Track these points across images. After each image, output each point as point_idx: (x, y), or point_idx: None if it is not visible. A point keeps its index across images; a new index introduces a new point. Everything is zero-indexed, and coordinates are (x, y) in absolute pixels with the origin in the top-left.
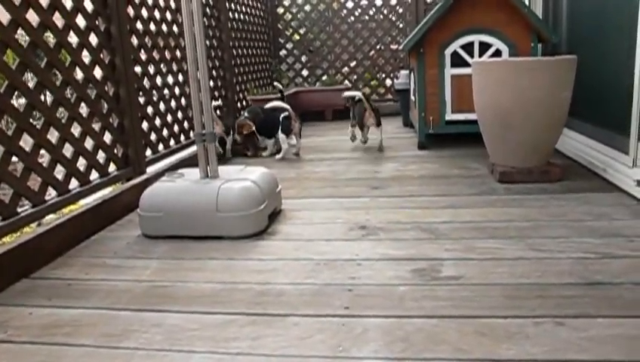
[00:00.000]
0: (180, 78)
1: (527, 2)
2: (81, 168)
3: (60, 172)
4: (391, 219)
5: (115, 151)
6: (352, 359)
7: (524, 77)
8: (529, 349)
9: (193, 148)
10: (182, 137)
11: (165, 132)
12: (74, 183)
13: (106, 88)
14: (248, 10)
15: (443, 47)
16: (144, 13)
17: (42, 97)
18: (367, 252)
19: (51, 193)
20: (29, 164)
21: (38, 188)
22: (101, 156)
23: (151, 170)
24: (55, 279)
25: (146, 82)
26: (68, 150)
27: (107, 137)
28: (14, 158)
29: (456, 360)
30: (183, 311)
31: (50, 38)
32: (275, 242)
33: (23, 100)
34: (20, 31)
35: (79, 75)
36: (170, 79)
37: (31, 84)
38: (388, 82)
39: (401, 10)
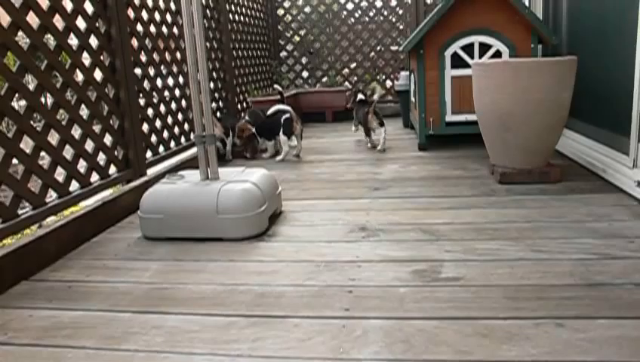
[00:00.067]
0: (181, 79)
1: (527, 3)
2: (82, 170)
3: (60, 174)
4: (391, 221)
5: (116, 153)
6: (353, 361)
7: (524, 78)
8: (529, 350)
9: (193, 150)
10: (182, 139)
11: (165, 134)
12: (74, 185)
13: (107, 90)
14: (248, 11)
15: (443, 49)
16: (144, 15)
17: (43, 99)
18: (368, 253)
19: (52, 195)
20: (30, 166)
21: (39, 190)
22: (101, 158)
23: (151, 171)
24: (55, 281)
25: (146, 84)
26: (68, 152)
27: (107, 139)
28: (15, 160)
29: (457, 361)
30: (183, 313)
31: (50, 40)
32: (276, 244)
33: (23, 102)
34: (20, 33)
35: (79, 77)
36: (170, 81)
37: (31, 87)
38: (388, 83)
39: (401, 12)
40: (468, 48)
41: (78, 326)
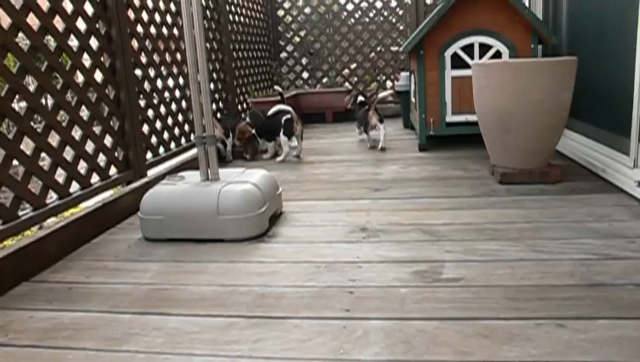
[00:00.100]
0: (181, 80)
1: (527, 3)
2: (82, 171)
3: (60, 175)
4: (392, 221)
5: (116, 154)
6: (353, 361)
7: (524, 78)
8: (530, 351)
9: (194, 151)
10: (182, 140)
11: (166, 135)
12: (75, 186)
13: (107, 91)
14: (248, 12)
15: (443, 49)
16: (144, 16)
17: (43, 101)
18: (368, 254)
19: (52, 196)
20: (30, 168)
21: (39, 191)
22: (102, 159)
23: (152, 172)
24: (56, 282)
25: (146, 85)
26: (69, 153)
27: (108, 140)
28: (15, 162)
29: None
30: (183, 314)
31: (50, 41)
32: (276, 245)
33: (23, 104)
34: (20, 34)
35: (80, 78)
36: (170, 82)
37: (32, 88)
38: (388, 84)
39: (401, 12)
40: (468, 49)
41: (78, 327)
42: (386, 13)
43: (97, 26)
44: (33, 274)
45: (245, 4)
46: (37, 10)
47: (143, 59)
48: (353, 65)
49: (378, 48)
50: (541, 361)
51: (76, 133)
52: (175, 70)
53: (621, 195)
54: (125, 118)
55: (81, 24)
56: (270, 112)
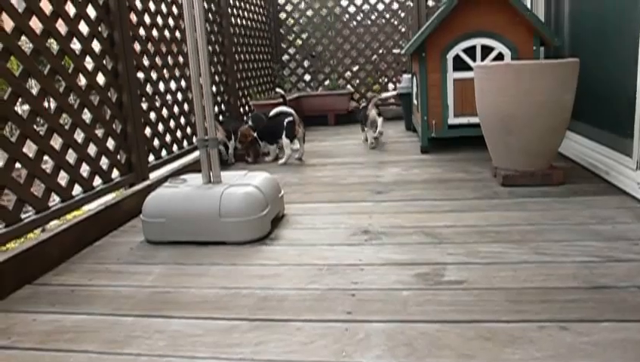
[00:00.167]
0: (183, 83)
1: (529, 5)
2: (85, 174)
3: (63, 178)
4: (394, 224)
5: (118, 157)
6: None
7: (526, 80)
8: (533, 354)
9: (196, 154)
10: (185, 143)
11: (168, 138)
12: (77, 189)
13: (109, 94)
14: (250, 15)
15: (445, 51)
16: (147, 19)
17: (46, 104)
18: (370, 257)
19: (55, 199)
20: (33, 171)
21: (42, 194)
22: (104, 162)
23: (154, 175)
24: (58, 285)
25: (148, 88)
26: (71, 156)
27: (110, 143)
28: (18, 165)
29: None
30: (185, 317)
31: (53, 44)
32: (278, 247)
33: (26, 107)
34: (23, 38)
35: (82, 81)
36: (172, 85)
37: (34, 91)
38: (390, 86)
39: (403, 15)
40: (470, 51)
41: (80, 330)
42: (387, 16)
43: (100, 29)
44: (36, 276)
45: (247, 6)
46: (40, 14)
47: (145, 62)
48: (355, 68)
49: (380, 50)
50: None
51: (79, 135)
52: (177, 73)
53: (624, 197)
54: (127, 120)
55: (83, 27)
56: (272, 113)
